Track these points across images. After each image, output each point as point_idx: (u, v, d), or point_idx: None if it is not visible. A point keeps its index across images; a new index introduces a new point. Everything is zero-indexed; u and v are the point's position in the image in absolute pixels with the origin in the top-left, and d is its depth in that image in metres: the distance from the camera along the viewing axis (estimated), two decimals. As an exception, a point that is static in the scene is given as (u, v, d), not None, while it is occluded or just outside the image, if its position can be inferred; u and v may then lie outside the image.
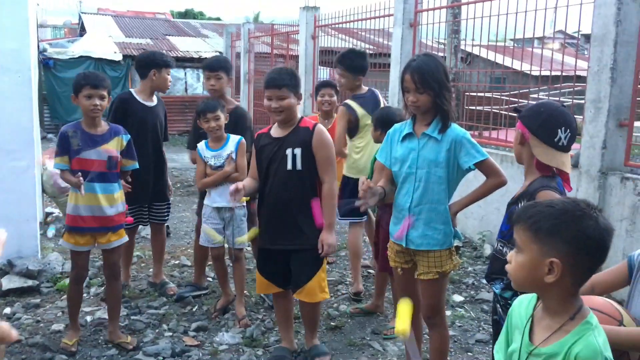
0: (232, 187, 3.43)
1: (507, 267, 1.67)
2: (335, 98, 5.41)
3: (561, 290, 1.58)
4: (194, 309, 4.55)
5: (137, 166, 3.95)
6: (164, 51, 5.51)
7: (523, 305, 1.75)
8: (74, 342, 3.83)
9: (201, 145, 4.28)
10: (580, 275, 1.58)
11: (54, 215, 6.93)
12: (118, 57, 16.13)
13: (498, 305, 2.53)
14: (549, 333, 1.61)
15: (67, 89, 15.38)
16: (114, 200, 3.73)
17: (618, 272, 2.10)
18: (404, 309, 2.04)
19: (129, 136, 3.85)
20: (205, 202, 4.31)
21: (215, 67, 4.57)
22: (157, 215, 4.84)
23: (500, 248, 2.51)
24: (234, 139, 4.27)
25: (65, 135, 3.65)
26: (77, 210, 3.68)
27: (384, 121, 3.97)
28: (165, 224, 5.07)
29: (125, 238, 3.89)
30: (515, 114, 2.57)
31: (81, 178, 3.52)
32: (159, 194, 4.76)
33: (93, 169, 3.64)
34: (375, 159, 4.07)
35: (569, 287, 1.58)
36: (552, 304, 1.62)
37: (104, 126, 3.75)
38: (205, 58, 4.23)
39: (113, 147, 3.73)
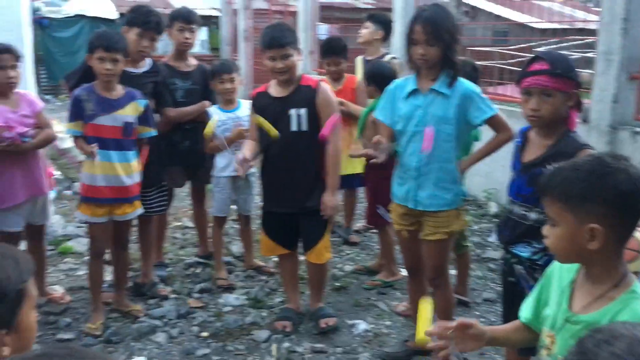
0: (240, 156, 3.33)
1: (547, 242, 1.58)
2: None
3: (606, 255, 1.50)
4: (198, 271, 4.51)
5: (155, 133, 3.70)
6: (160, 9, 5.20)
7: (564, 268, 1.66)
8: (98, 324, 3.56)
9: (213, 109, 4.13)
10: (623, 234, 1.49)
11: (54, 177, 6.84)
12: (114, 15, 15.76)
13: (520, 267, 2.44)
14: (589, 300, 1.53)
15: (63, 49, 15.28)
16: (130, 169, 3.54)
17: None
18: (424, 312, 1.81)
19: (146, 101, 3.62)
20: (217, 172, 4.18)
21: (193, 19, 4.21)
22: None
23: (524, 213, 2.40)
24: (245, 102, 4.13)
25: (78, 99, 3.42)
26: (93, 180, 3.48)
27: (377, 75, 3.88)
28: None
29: (140, 210, 3.72)
30: (545, 73, 2.27)
31: (96, 148, 3.36)
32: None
33: (108, 136, 3.45)
34: (366, 115, 3.96)
35: (613, 249, 1.49)
36: (596, 270, 1.53)
37: (119, 90, 3.51)
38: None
39: (129, 113, 3.51)
